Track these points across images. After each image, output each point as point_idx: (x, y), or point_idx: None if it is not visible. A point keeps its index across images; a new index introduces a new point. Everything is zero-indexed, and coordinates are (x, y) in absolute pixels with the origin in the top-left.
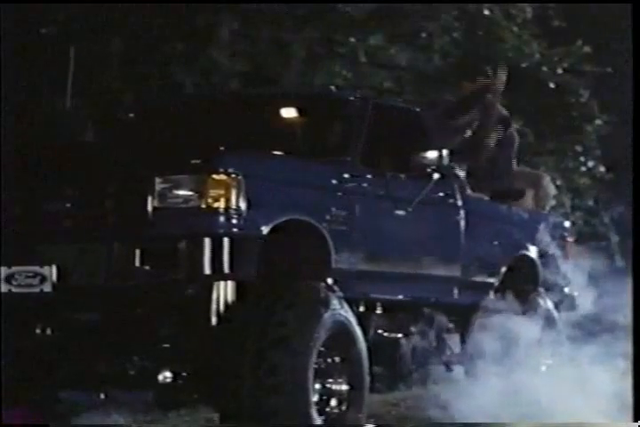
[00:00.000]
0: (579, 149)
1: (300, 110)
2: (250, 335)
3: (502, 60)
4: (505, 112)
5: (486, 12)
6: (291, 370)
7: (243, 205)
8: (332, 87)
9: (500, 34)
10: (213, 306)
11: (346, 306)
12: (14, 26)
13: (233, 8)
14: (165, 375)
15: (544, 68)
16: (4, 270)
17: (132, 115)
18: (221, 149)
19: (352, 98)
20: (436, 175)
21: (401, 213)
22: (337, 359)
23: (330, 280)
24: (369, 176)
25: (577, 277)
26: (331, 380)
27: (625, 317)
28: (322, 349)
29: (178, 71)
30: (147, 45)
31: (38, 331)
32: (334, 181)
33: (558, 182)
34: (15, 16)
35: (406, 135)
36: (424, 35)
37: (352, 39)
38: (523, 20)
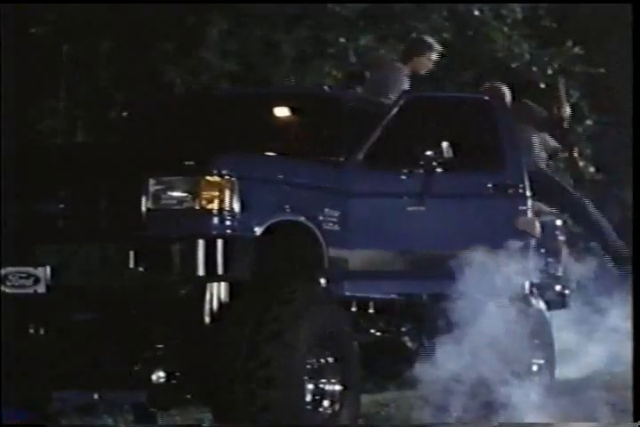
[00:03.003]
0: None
1: (293, 110)
2: (244, 331)
3: (492, 60)
4: None
5: (476, 13)
6: (284, 364)
7: (236, 207)
8: (326, 86)
9: (490, 34)
10: (207, 306)
11: (339, 306)
12: (5, 26)
13: (223, 8)
14: (159, 375)
15: (534, 69)
16: None
17: (125, 114)
18: (215, 150)
19: (346, 97)
20: (439, 169)
21: (399, 210)
22: (330, 360)
23: (323, 280)
24: (367, 175)
25: (568, 276)
26: (324, 380)
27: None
28: (315, 349)
29: (168, 71)
30: (136, 45)
31: (32, 331)
32: (327, 182)
33: None
34: (5, 16)
35: (405, 131)
36: (414, 35)
37: (342, 39)
38: (513, 21)
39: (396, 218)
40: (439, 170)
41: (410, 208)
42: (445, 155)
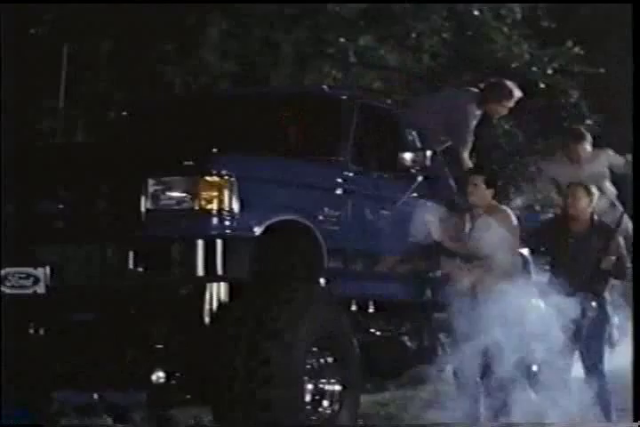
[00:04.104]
0: None
1: (293, 110)
2: (244, 331)
3: (491, 60)
4: None
5: (476, 13)
6: (283, 363)
7: (235, 207)
8: (325, 86)
9: (489, 34)
10: (206, 306)
11: (339, 306)
12: (3, 26)
13: (223, 8)
14: (159, 375)
15: (534, 69)
16: None
17: (124, 113)
18: (214, 150)
19: (344, 97)
20: (419, 177)
21: (392, 212)
22: (330, 360)
23: (323, 280)
24: (361, 176)
25: None
26: (324, 380)
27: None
28: (315, 349)
29: (168, 71)
30: (136, 46)
31: (32, 331)
32: (326, 182)
33: None
34: (4, 16)
35: (393, 135)
36: (414, 35)
37: (342, 39)
38: (512, 21)
39: (393, 218)
40: (420, 176)
41: (384, 211)
42: (426, 162)
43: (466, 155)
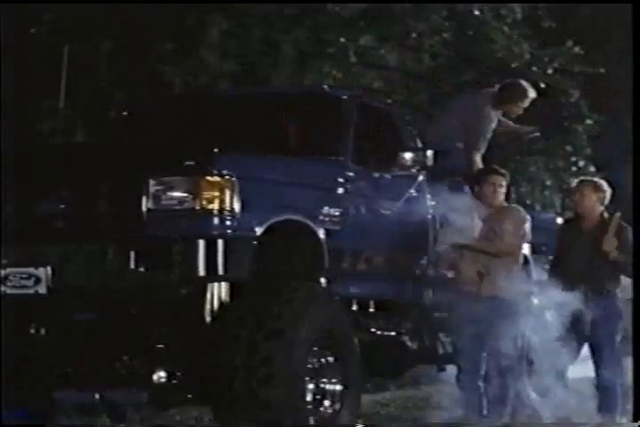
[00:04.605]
0: (569, 148)
1: (293, 110)
2: (245, 330)
3: (491, 60)
4: None
5: (476, 13)
6: (284, 362)
7: (237, 207)
8: (325, 86)
9: (489, 34)
10: (207, 306)
11: (339, 305)
12: (3, 26)
13: (223, 8)
14: (160, 375)
15: (534, 69)
16: None
17: (124, 113)
18: (215, 150)
19: (345, 97)
20: (420, 176)
21: (393, 212)
22: (330, 359)
23: (323, 280)
24: (362, 176)
25: None
26: (324, 380)
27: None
28: (315, 349)
29: (168, 71)
30: (136, 46)
31: (32, 331)
32: (327, 181)
33: (549, 182)
34: (5, 16)
35: (393, 135)
36: (414, 35)
37: (342, 39)
38: (513, 21)
39: (393, 218)
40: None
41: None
42: (426, 162)
43: (478, 156)
